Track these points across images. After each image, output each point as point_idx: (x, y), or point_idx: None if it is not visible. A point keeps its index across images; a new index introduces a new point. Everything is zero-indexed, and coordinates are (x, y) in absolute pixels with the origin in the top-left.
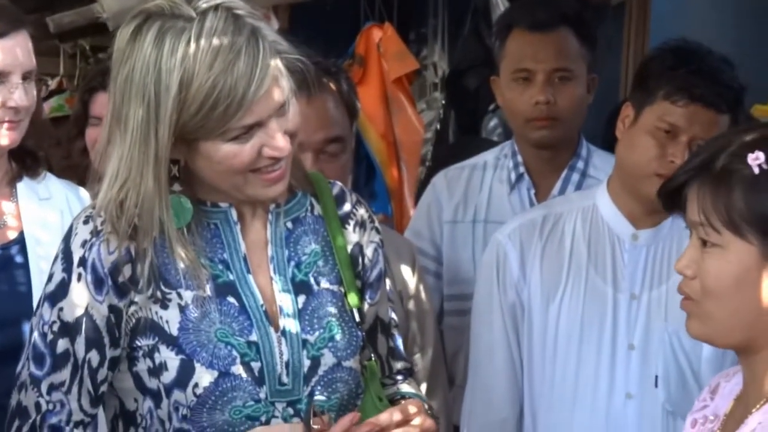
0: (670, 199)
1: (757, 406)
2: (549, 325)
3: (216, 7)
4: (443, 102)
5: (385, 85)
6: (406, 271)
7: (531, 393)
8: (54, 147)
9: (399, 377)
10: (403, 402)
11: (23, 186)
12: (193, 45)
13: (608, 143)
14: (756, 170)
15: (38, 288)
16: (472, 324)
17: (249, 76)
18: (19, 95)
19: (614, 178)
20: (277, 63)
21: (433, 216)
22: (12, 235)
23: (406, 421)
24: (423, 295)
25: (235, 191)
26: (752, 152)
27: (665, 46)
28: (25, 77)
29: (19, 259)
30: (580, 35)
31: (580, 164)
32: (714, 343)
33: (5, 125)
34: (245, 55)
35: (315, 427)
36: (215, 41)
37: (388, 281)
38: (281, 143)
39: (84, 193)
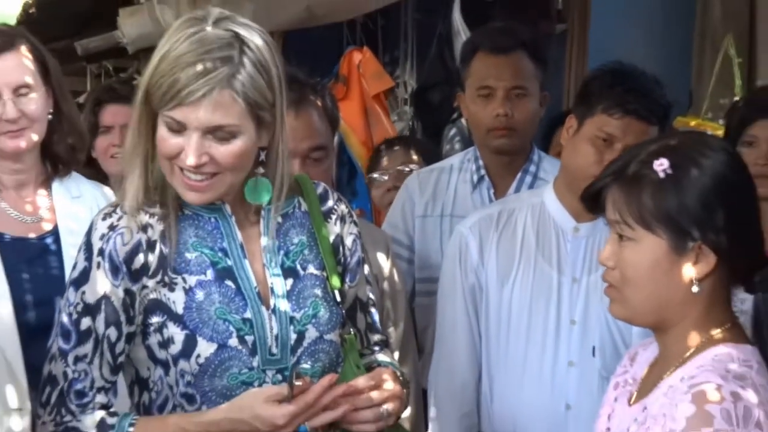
0: (592, 201)
1: (668, 372)
2: (503, 303)
3: (227, 29)
4: (412, 114)
5: (365, 100)
6: (381, 257)
7: (488, 361)
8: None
9: (376, 348)
10: (378, 369)
11: (57, 185)
12: (186, 36)
13: (545, 147)
14: (661, 174)
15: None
16: (438, 302)
17: (190, 83)
18: (10, 108)
19: (559, 179)
20: (231, 96)
21: (407, 211)
22: (47, 227)
23: (378, 386)
24: (396, 277)
25: (169, 178)
26: (658, 159)
27: (604, 68)
28: (17, 91)
29: (53, 247)
30: (535, 58)
31: (533, 168)
32: (632, 322)
33: (7, 135)
34: (203, 67)
35: (297, 383)
36: (198, 44)
37: (366, 266)
38: (189, 157)
39: (108, 191)
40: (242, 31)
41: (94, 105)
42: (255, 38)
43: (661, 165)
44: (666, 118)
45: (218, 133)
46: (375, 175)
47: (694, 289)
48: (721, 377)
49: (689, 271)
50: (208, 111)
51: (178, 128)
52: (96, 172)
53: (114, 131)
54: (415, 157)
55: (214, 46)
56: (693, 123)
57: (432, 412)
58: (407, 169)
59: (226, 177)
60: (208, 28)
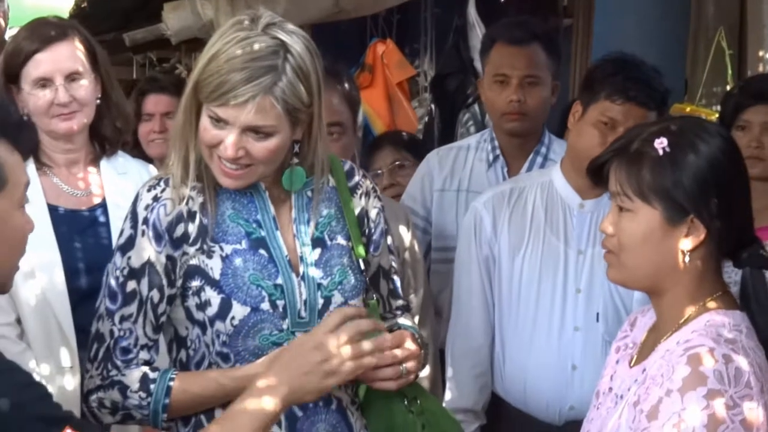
0: (596, 174)
1: (665, 337)
2: (514, 273)
3: (275, 37)
4: (430, 100)
5: (389, 87)
6: (402, 230)
7: (500, 326)
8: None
9: (398, 312)
10: (398, 331)
11: (105, 163)
12: (237, 40)
13: (561, 132)
14: (660, 152)
15: None
16: (455, 272)
17: (236, 87)
18: (62, 93)
19: (566, 159)
20: (271, 102)
21: (425, 184)
22: (97, 200)
23: (399, 345)
24: (416, 248)
25: (208, 162)
26: (658, 138)
27: (607, 57)
28: (69, 77)
29: (102, 219)
30: (547, 50)
31: (543, 150)
32: (627, 286)
33: (59, 117)
34: (249, 74)
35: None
36: (246, 49)
37: (389, 237)
38: (227, 149)
39: (152, 168)
40: (287, 39)
41: (137, 94)
42: (298, 46)
43: (661, 143)
44: (664, 105)
45: (256, 132)
46: (369, 174)
47: (685, 259)
48: (713, 341)
49: (680, 242)
50: (249, 114)
51: (220, 122)
52: (142, 155)
53: (155, 118)
54: (404, 152)
55: (260, 54)
56: (688, 109)
57: (449, 372)
58: (398, 163)
59: (258, 168)
60: (257, 34)
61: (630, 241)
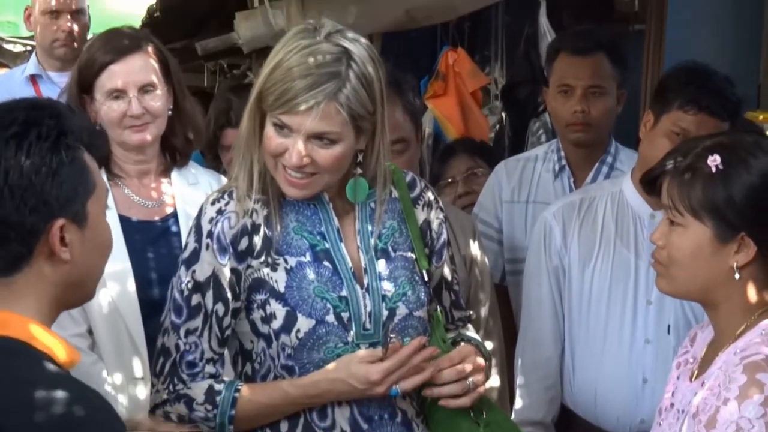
0: (650, 185)
1: (723, 349)
2: (585, 284)
3: (338, 44)
4: (502, 109)
5: (461, 96)
6: (469, 241)
7: (570, 337)
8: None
9: (460, 323)
10: (463, 345)
11: (176, 173)
12: (300, 48)
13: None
14: (713, 169)
15: None
16: (525, 282)
17: (300, 94)
18: (135, 105)
19: (637, 169)
20: (336, 108)
21: (495, 195)
22: (169, 210)
23: (464, 360)
24: (483, 259)
25: (272, 172)
26: (711, 155)
27: (680, 66)
28: (143, 89)
29: (174, 229)
30: (612, 59)
31: (609, 159)
32: (677, 297)
33: (132, 129)
34: (313, 81)
35: (392, 336)
36: (310, 57)
37: (450, 248)
38: (292, 157)
39: (224, 179)
40: (350, 46)
41: (215, 128)
42: (362, 53)
43: (714, 161)
44: (737, 115)
45: (321, 139)
46: (442, 183)
47: (735, 276)
48: None
49: (731, 259)
50: (314, 120)
51: (285, 130)
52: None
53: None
54: (478, 159)
55: (323, 61)
56: (761, 117)
57: (518, 382)
58: (472, 171)
59: (324, 177)
60: (320, 42)
61: (679, 255)
